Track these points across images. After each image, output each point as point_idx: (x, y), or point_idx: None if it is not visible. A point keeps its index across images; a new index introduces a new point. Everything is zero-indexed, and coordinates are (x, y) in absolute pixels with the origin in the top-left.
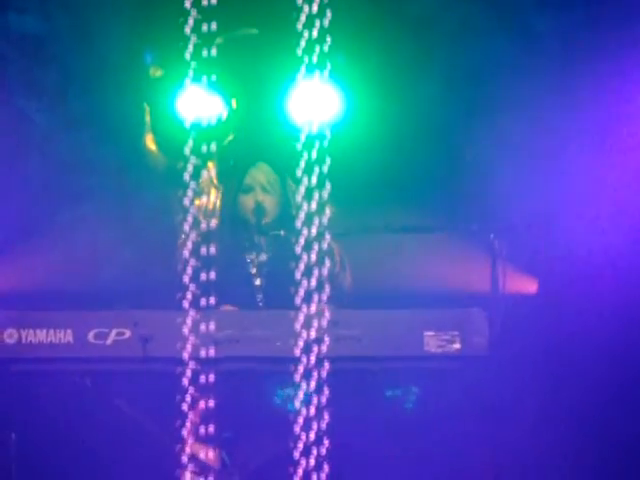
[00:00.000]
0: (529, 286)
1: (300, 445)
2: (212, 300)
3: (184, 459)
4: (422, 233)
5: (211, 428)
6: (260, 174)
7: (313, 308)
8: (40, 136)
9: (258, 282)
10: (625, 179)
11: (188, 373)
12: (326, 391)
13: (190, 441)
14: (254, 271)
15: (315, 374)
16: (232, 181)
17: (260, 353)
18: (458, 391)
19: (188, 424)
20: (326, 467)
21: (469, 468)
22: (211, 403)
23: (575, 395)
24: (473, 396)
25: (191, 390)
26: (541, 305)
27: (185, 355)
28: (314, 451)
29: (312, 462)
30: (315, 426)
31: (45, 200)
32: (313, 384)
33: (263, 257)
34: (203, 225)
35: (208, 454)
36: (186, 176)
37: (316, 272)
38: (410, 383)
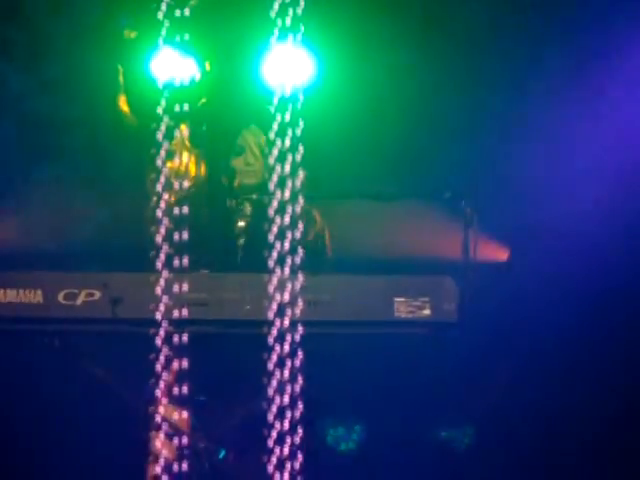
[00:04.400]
0: (500, 254)
1: (274, 410)
2: (185, 261)
3: (154, 421)
4: (395, 200)
5: (182, 390)
6: (250, 136)
7: (287, 272)
8: (14, 97)
9: (241, 242)
10: (597, 150)
11: (159, 334)
12: (300, 354)
13: (160, 403)
14: (238, 232)
15: (288, 337)
16: (217, 144)
17: (231, 316)
18: (428, 356)
19: (158, 386)
20: (300, 431)
21: (438, 435)
22: (181, 365)
23: (542, 362)
24: (442, 361)
25: (161, 352)
26: (511, 273)
27: (157, 316)
28: (288, 415)
29: (286, 426)
30: (289, 389)
31: (19, 160)
32: (287, 347)
33: (246, 219)
34: (176, 186)
35: (177, 417)
36: (158, 137)
37: (289, 235)
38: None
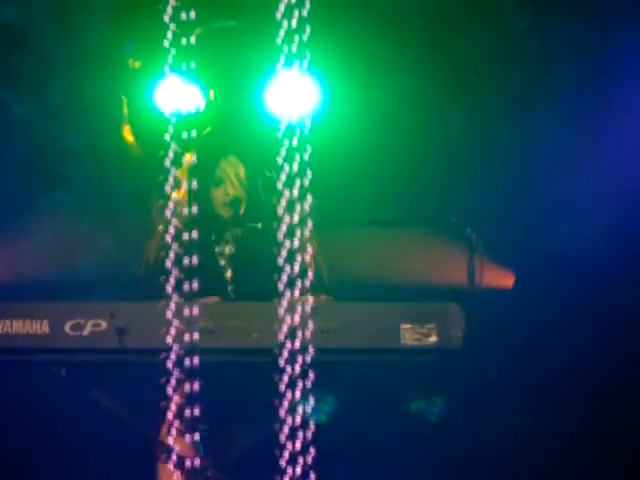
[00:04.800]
0: (506, 280)
1: (286, 429)
2: (188, 289)
3: (161, 451)
4: (400, 226)
5: (187, 420)
6: (229, 167)
7: (296, 295)
8: (19, 125)
9: (229, 274)
10: (603, 172)
11: (166, 363)
12: (311, 377)
13: (167, 433)
14: (223, 263)
15: (299, 360)
16: (203, 173)
17: (238, 345)
18: (434, 384)
19: (164, 416)
20: (312, 451)
21: (446, 460)
22: (187, 394)
23: (552, 388)
24: (449, 389)
25: (168, 380)
26: (517, 299)
27: (164, 345)
28: (300, 436)
29: (298, 446)
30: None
31: (23, 188)
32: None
33: (231, 249)
34: (175, 220)
35: (184, 446)
36: (165, 164)
37: (299, 259)
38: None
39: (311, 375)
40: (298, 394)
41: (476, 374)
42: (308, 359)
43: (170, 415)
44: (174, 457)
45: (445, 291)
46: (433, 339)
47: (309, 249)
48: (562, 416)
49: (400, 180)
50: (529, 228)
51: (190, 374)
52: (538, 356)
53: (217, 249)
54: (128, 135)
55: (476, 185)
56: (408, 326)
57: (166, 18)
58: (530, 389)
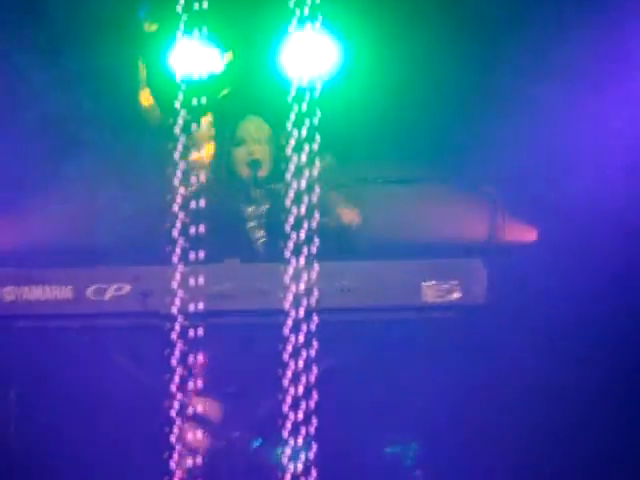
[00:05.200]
0: (528, 235)
1: (289, 399)
2: (202, 254)
3: (183, 413)
4: (419, 184)
5: (210, 382)
6: (251, 126)
7: (302, 261)
8: (36, 93)
9: (259, 234)
10: (628, 126)
11: (185, 327)
12: (315, 344)
13: (189, 395)
14: (252, 224)
15: (311, 325)
16: (224, 134)
17: (253, 306)
18: (457, 340)
19: (187, 378)
20: (315, 420)
21: (467, 417)
22: (209, 357)
23: (573, 341)
24: (472, 344)
25: (190, 344)
26: (539, 253)
27: (182, 309)
28: (302, 404)
29: (300, 416)
30: (304, 379)
31: (43, 156)
32: (302, 337)
33: (262, 209)
34: (194, 179)
35: (208, 408)
36: (179, 130)
37: (306, 224)
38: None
39: (331, 335)
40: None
41: (498, 329)
42: (327, 319)
43: (193, 378)
44: (198, 419)
45: (465, 247)
46: (456, 295)
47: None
48: (584, 369)
49: (419, 137)
50: (550, 183)
51: (213, 337)
52: (560, 311)
53: (242, 210)
54: (146, 99)
55: (497, 141)
56: (430, 284)
57: None
58: (551, 342)
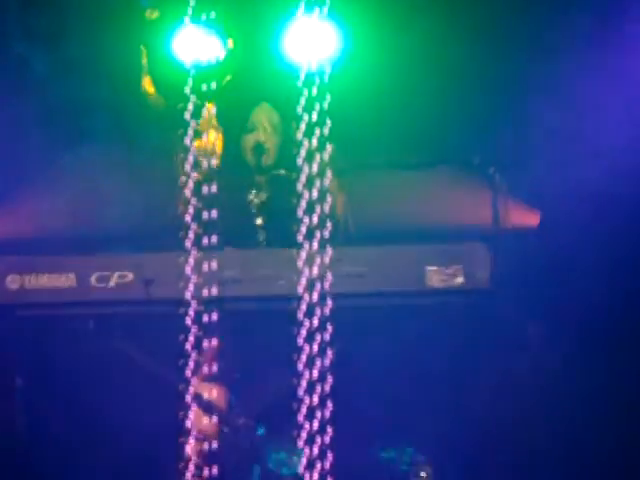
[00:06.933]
0: (532, 219)
1: (304, 383)
2: (214, 239)
3: (189, 399)
4: (423, 168)
5: (216, 368)
6: (262, 114)
7: (315, 246)
8: (39, 81)
9: (259, 221)
10: (629, 113)
11: (191, 313)
12: (329, 328)
13: (195, 381)
14: (254, 210)
15: (318, 311)
16: (233, 121)
17: (263, 292)
18: (461, 324)
19: (192, 364)
20: (330, 405)
21: (471, 401)
22: (215, 343)
23: (576, 326)
24: (476, 329)
25: (194, 330)
26: (543, 238)
27: (188, 295)
28: (317, 390)
29: (315, 400)
30: (318, 364)
31: (45, 143)
32: (316, 321)
33: (263, 196)
34: (204, 165)
35: (214, 394)
36: (185, 117)
37: (318, 209)
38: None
39: (337, 320)
40: (327, 339)
41: (502, 313)
42: (334, 304)
43: (200, 364)
44: (205, 405)
45: (469, 232)
46: (460, 280)
47: (338, 195)
48: (590, 352)
49: (421, 122)
50: (553, 167)
51: (219, 323)
52: (563, 295)
53: (248, 196)
54: (148, 86)
55: (500, 126)
56: (434, 268)
57: None
58: (555, 326)
